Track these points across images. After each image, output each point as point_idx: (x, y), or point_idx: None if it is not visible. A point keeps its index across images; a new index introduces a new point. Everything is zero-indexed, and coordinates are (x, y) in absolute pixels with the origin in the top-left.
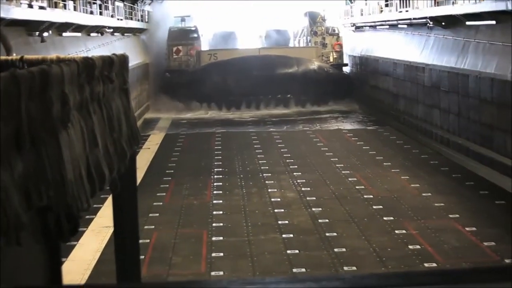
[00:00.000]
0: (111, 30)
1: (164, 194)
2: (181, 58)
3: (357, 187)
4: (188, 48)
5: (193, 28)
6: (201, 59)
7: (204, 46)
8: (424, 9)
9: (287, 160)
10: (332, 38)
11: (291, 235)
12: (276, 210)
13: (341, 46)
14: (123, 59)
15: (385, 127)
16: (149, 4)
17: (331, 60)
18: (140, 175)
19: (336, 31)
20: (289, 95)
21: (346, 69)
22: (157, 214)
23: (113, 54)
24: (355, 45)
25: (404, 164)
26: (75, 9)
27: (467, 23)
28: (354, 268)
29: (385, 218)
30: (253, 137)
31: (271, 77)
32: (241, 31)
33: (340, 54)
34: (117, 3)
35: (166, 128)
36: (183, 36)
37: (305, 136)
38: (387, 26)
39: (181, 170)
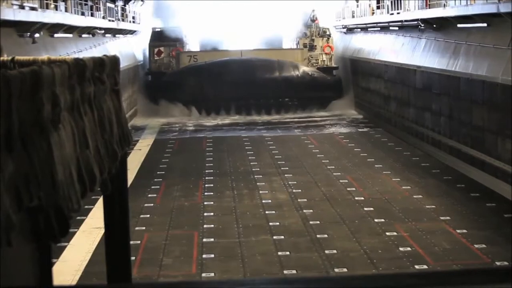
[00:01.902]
0: (103, 31)
1: (155, 195)
2: (162, 60)
3: (348, 189)
4: (170, 50)
5: (177, 28)
6: (181, 61)
7: (195, 46)
8: (416, 12)
9: (278, 162)
10: (322, 40)
11: (282, 237)
12: (267, 212)
13: (331, 48)
14: (114, 60)
15: (377, 129)
16: (141, 5)
17: (320, 63)
18: (131, 176)
19: (327, 33)
20: (271, 100)
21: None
22: (148, 215)
23: (104, 55)
24: (346, 47)
25: (395, 166)
26: (66, 10)
27: (459, 25)
28: (345, 269)
29: (376, 220)
30: (244, 140)
31: (250, 81)
32: (232, 31)
33: (330, 56)
34: (108, 4)
35: (155, 133)
36: (166, 37)
37: (296, 138)
38: (379, 28)
39: (172, 171)
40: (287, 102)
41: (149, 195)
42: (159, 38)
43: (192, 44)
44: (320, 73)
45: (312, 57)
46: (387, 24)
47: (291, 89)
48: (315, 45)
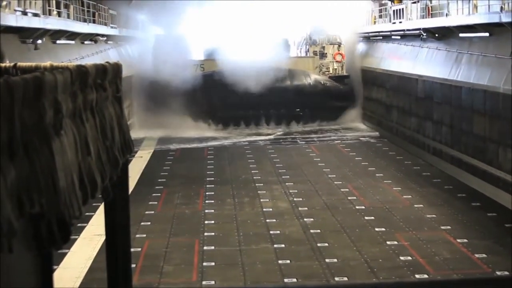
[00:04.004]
0: (105, 38)
1: (156, 202)
2: (167, 69)
3: (349, 197)
4: (175, 58)
5: (182, 36)
6: (187, 70)
7: (199, 55)
8: (418, 21)
9: (280, 171)
10: (333, 48)
11: (283, 245)
12: (268, 220)
13: (342, 56)
14: (117, 67)
15: (378, 139)
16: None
17: (331, 71)
18: (132, 183)
19: (338, 40)
20: (282, 110)
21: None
22: (149, 223)
23: (107, 62)
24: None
25: (396, 175)
26: (69, 16)
27: (461, 35)
28: (345, 278)
29: (376, 229)
30: (245, 148)
31: (261, 91)
32: (237, 41)
33: (342, 65)
34: (111, 11)
35: (155, 142)
36: (170, 45)
37: (298, 147)
38: (381, 37)
39: (173, 179)
40: (298, 113)
41: (150, 203)
42: (163, 45)
43: (196, 53)
44: (332, 82)
45: (323, 65)
46: (389, 33)
47: (303, 98)
48: (326, 53)
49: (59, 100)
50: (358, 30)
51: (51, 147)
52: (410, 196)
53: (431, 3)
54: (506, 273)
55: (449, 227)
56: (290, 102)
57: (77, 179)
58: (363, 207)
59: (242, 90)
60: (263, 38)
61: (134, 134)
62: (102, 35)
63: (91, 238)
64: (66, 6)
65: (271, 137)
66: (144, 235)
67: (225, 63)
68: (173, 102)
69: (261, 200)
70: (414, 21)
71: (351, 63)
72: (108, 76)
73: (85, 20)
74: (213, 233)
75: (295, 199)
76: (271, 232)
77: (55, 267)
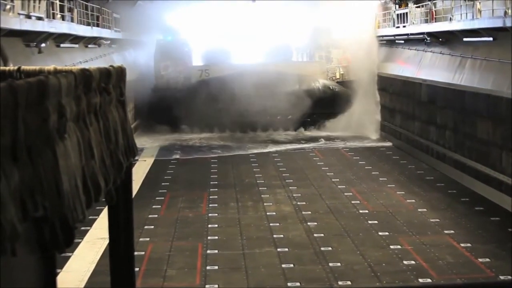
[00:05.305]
0: (109, 41)
1: (160, 206)
2: (169, 75)
3: (352, 202)
4: (178, 64)
5: (184, 41)
6: (192, 76)
7: (197, 61)
8: (422, 25)
9: (283, 175)
10: (339, 52)
11: (286, 249)
12: (271, 224)
13: (348, 60)
14: (121, 71)
15: (383, 143)
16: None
17: (338, 76)
18: (135, 187)
19: (344, 44)
20: (289, 117)
21: None
22: (152, 227)
23: (111, 65)
24: None
25: (399, 180)
26: (72, 20)
27: (464, 39)
28: (349, 282)
29: (380, 233)
30: (250, 155)
31: (269, 96)
32: (238, 46)
33: (348, 69)
34: (115, 15)
35: (154, 155)
36: (172, 50)
37: (302, 151)
38: (384, 42)
39: (177, 182)
40: (306, 118)
41: (154, 206)
42: (165, 51)
43: (196, 57)
44: (341, 87)
45: (328, 70)
46: (393, 37)
47: (312, 104)
48: (332, 58)
49: (63, 104)
50: (365, 33)
51: (55, 151)
52: (413, 200)
53: (435, 7)
54: (510, 277)
55: (452, 231)
56: (299, 107)
57: (81, 183)
58: (367, 211)
59: (247, 95)
60: (264, 42)
61: (137, 140)
62: (106, 39)
63: (94, 241)
64: (70, 10)
65: (309, 145)
66: (148, 239)
67: (229, 68)
68: (176, 108)
69: (265, 204)
70: (418, 25)
71: (359, 67)
72: (112, 79)
73: (89, 24)
74: (216, 237)
75: (298, 203)
76: (274, 236)
77: (58, 270)
